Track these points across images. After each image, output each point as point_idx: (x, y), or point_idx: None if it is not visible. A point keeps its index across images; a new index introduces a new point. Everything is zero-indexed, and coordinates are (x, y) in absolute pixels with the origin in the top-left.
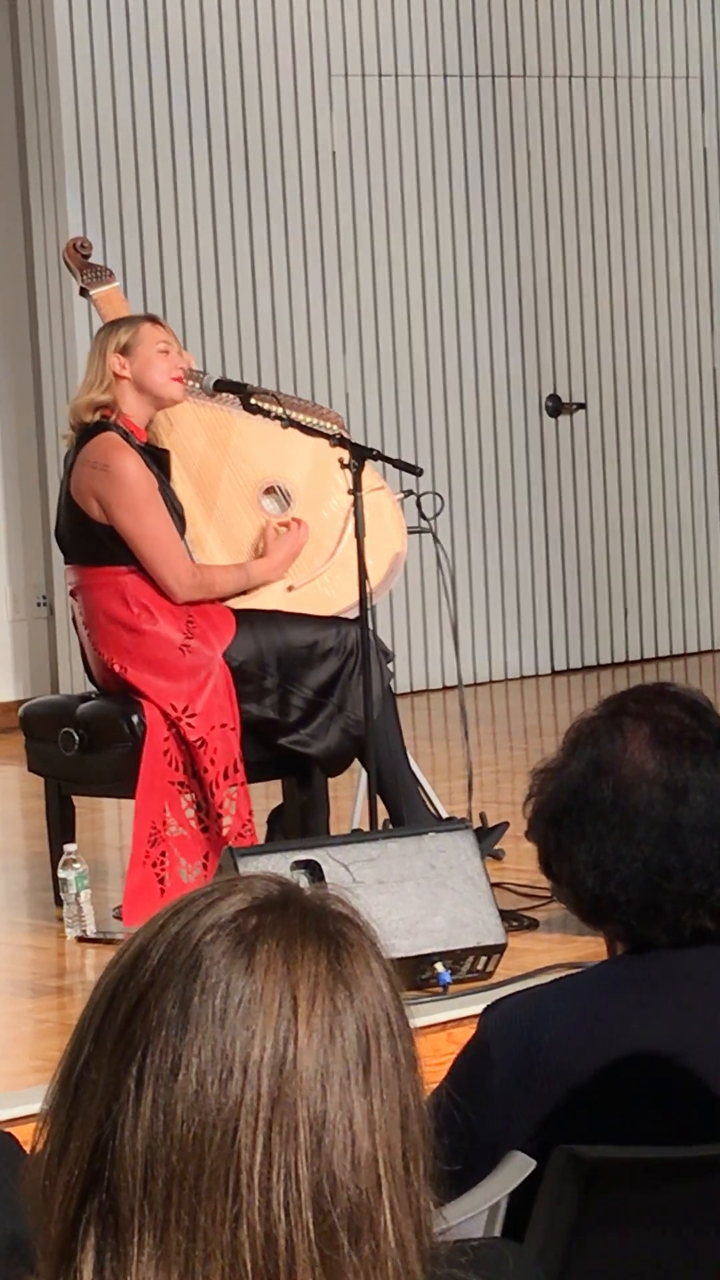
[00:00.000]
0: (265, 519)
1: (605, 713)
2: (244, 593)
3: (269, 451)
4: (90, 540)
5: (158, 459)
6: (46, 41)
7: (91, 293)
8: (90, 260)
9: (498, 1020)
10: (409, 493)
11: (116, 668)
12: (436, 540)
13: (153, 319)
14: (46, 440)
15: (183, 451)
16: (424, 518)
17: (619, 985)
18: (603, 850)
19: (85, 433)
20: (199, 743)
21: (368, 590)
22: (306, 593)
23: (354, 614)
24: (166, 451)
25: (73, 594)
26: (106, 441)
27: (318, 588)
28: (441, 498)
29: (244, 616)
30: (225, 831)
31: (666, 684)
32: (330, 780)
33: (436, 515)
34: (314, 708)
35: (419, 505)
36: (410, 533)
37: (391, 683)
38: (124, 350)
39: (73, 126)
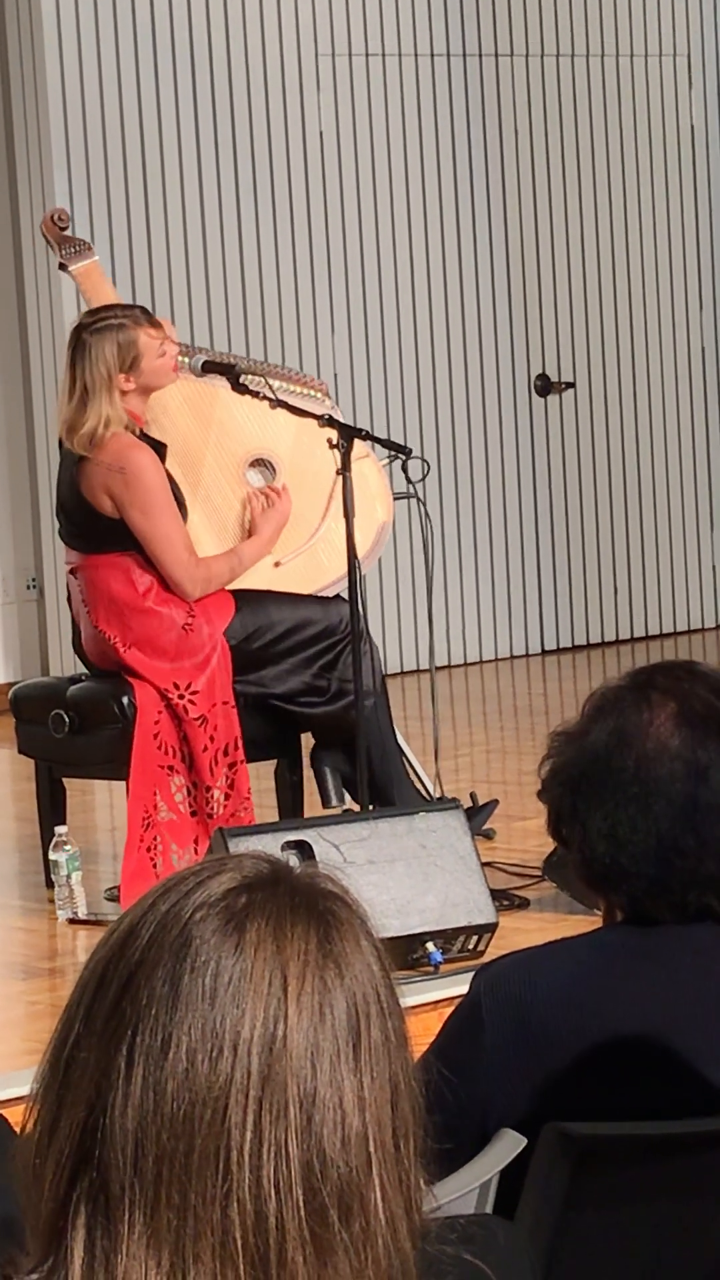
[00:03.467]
0: (248, 491)
1: (632, 684)
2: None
3: (253, 424)
4: (97, 531)
5: (156, 450)
6: (33, 17)
7: (71, 268)
8: (68, 233)
9: (490, 980)
10: (394, 457)
11: (118, 646)
12: (422, 504)
13: (137, 320)
14: (35, 423)
15: (167, 428)
16: (410, 481)
17: (614, 952)
18: (618, 820)
19: None
20: (199, 720)
21: (356, 569)
22: (294, 568)
23: (341, 586)
24: (164, 445)
25: (72, 572)
26: (120, 441)
27: (304, 562)
28: (428, 462)
29: (238, 596)
30: (223, 809)
31: (694, 662)
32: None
33: (423, 479)
34: (315, 681)
35: (405, 470)
36: (396, 498)
37: (381, 664)
38: (129, 368)
39: (59, 102)
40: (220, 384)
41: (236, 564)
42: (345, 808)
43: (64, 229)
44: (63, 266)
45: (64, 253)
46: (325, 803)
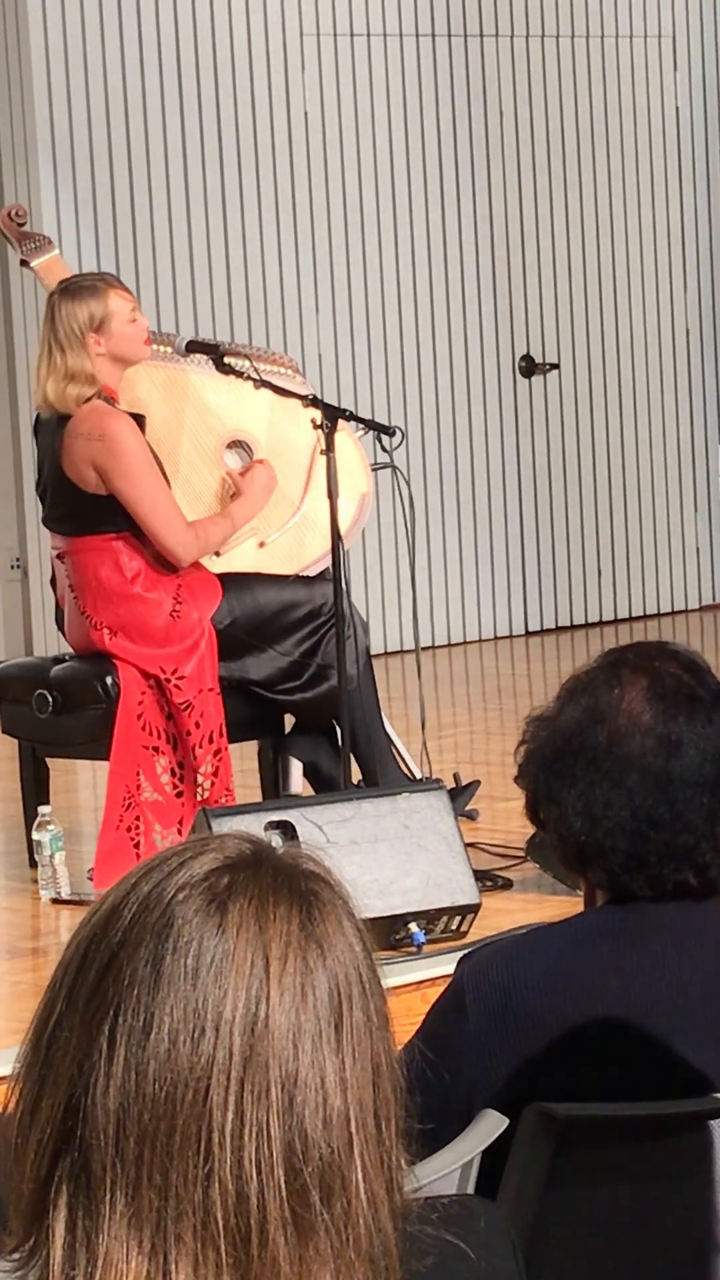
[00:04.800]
0: (227, 473)
1: (604, 664)
2: (217, 553)
3: (226, 405)
4: (82, 511)
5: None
6: (16, 1)
7: (32, 263)
8: (26, 229)
9: (473, 968)
10: (367, 426)
11: (104, 632)
12: (396, 471)
13: (109, 283)
14: (19, 402)
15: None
16: (386, 451)
17: (596, 936)
18: (593, 796)
19: None
20: (185, 705)
21: (340, 548)
22: (278, 547)
23: (325, 564)
24: (142, 416)
25: (59, 557)
26: (97, 412)
27: (288, 541)
28: (402, 430)
29: (224, 580)
30: (207, 795)
31: (666, 642)
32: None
33: (397, 448)
34: (295, 667)
35: (379, 440)
36: (373, 469)
37: (367, 644)
38: (99, 328)
39: (44, 84)
40: (194, 368)
41: (229, 526)
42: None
43: (22, 224)
44: (24, 263)
45: (24, 249)
46: (281, 789)
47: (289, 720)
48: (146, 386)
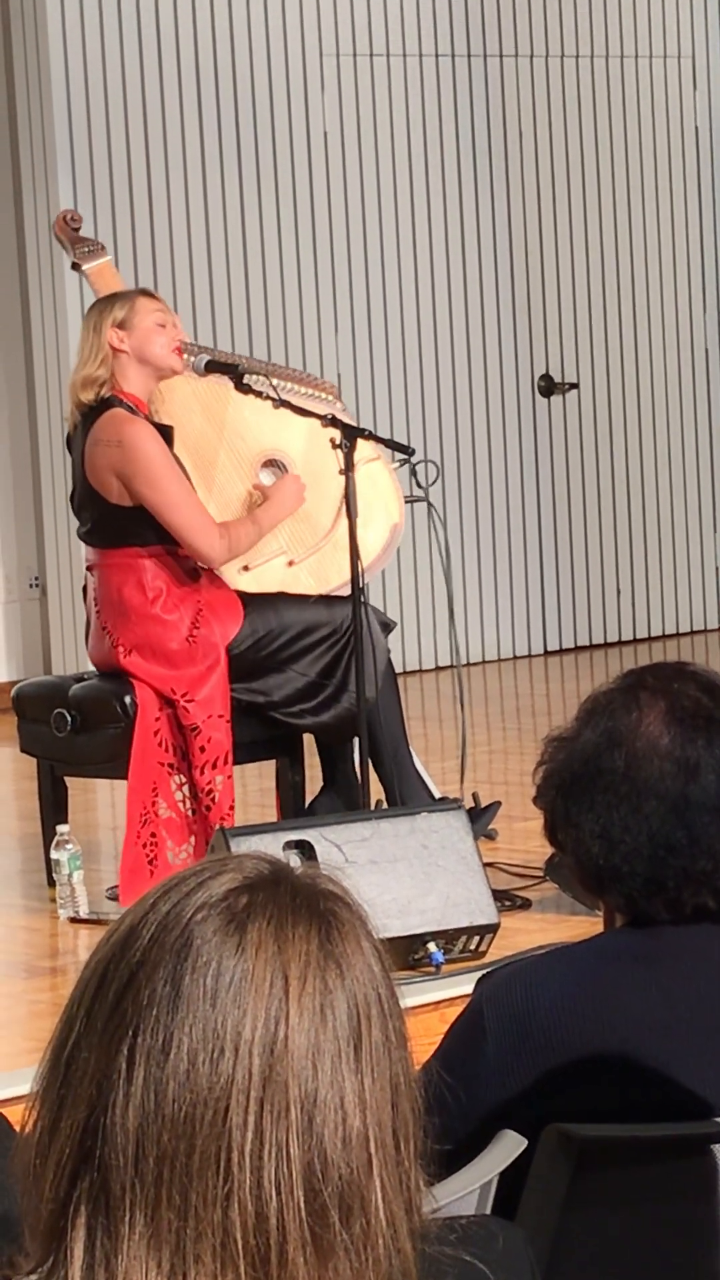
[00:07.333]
0: (255, 486)
1: (622, 686)
2: (246, 568)
3: (267, 424)
4: (109, 523)
5: (162, 434)
6: (37, 16)
7: (84, 267)
8: (81, 234)
9: (492, 989)
10: (404, 461)
11: (119, 649)
12: (431, 507)
13: (145, 292)
14: (38, 421)
15: (179, 428)
16: (419, 485)
17: (615, 957)
18: (610, 820)
19: (90, 412)
20: (193, 729)
21: (360, 569)
22: (307, 568)
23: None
24: (169, 428)
25: (89, 569)
26: (116, 418)
27: (317, 563)
28: (436, 465)
29: (248, 601)
30: (207, 818)
31: (686, 663)
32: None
33: (432, 484)
34: (314, 689)
35: (413, 474)
36: (406, 502)
37: (389, 662)
38: (121, 325)
39: (64, 104)
40: (227, 384)
41: (255, 530)
42: None
43: (77, 229)
44: (76, 266)
45: (77, 252)
46: None
47: (308, 740)
48: (186, 398)
